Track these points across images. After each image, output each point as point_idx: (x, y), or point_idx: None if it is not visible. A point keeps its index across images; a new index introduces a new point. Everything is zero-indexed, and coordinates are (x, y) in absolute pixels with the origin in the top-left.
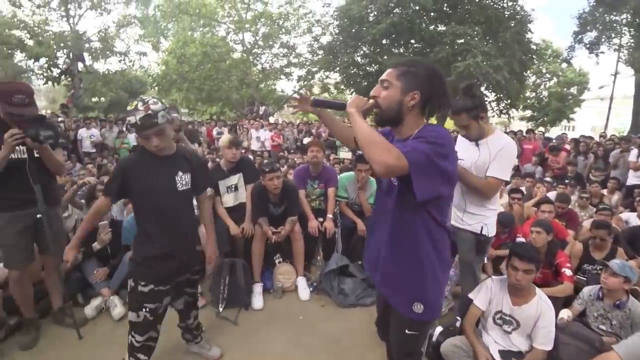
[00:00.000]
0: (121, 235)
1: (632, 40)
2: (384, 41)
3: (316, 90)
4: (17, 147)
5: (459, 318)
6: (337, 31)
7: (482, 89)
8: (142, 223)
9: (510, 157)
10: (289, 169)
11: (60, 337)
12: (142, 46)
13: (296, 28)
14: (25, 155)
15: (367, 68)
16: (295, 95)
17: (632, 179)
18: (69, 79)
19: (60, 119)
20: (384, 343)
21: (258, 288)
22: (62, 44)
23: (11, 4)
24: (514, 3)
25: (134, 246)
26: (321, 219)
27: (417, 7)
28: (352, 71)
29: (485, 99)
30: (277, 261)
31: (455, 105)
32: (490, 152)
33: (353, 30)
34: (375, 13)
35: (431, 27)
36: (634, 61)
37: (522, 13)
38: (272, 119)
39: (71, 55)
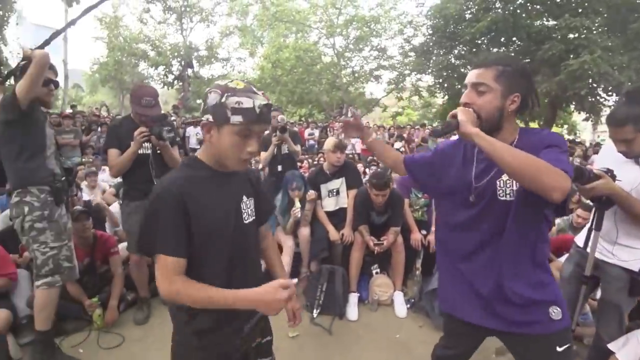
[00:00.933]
0: None
1: None
2: (481, 40)
3: (407, 94)
4: (143, 144)
5: None
6: (430, 32)
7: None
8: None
9: None
10: None
11: (168, 316)
12: (241, 53)
13: (387, 30)
14: (149, 151)
15: (462, 70)
16: (344, 118)
17: None
18: (180, 83)
19: (172, 119)
20: None
21: (354, 298)
22: (176, 54)
23: (139, 21)
24: None
25: (177, 319)
26: (424, 232)
27: (522, 1)
28: (446, 73)
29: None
30: (374, 272)
31: (617, 115)
32: None
33: (448, 30)
34: (474, 10)
35: (537, 22)
36: None
37: None
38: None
39: (183, 63)
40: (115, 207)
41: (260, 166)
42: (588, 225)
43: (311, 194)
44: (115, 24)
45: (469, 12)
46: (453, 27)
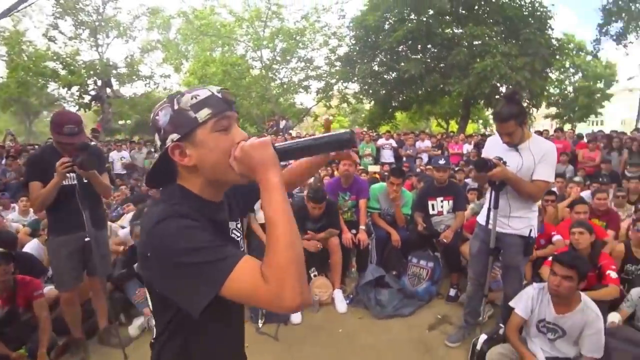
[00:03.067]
0: None
1: None
2: (400, 48)
3: (335, 101)
4: (67, 174)
5: (502, 325)
6: (353, 42)
7: (502, 89)
8: (186, 335)
9: (554, 160)
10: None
11: (107, 357)
12: (165, 69)
13: (313, 42)
14: (75, 182)
15: (385, 76)
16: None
17: None
18: (98, 104)
19: (92, 143)
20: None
21: None
22: (92, 72)
23: (46, 38)
24: (533, 0)
25: None
26: (354, 231)
27: (432, 12)
28: (371, 80)
29: None
30: (312, 275)
31: (502, 113)
32: (534, 157)
33: (369, 40)
34: (391, 21)
35: (448, 31)
36: None
37: (541, 9)
38: (293, 132)
39: (100, 82)
40: (31, 246)
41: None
42: (487, 205)
43: None
44: (16, 40)
45: (387, 23)
46: (373, 37)
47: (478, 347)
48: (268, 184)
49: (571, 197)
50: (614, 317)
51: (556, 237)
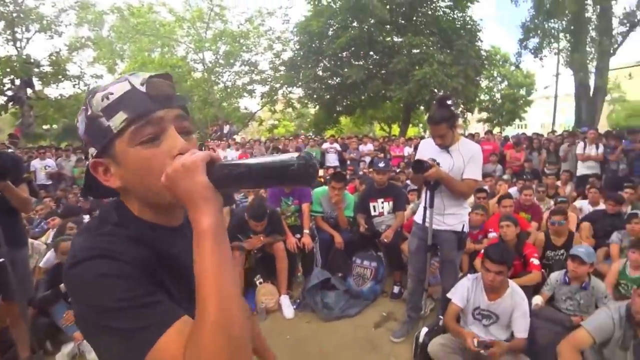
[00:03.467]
0: None
1: (568, 45)
2: (344, 54)
3: (280, 106)
4: None
5: (441, 317)
6: (297, 47)
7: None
8: None
9: (481, 160)
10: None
11: None
12: (97, 69)
13: (257, 45)
14: None
15: (329, 81)
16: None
17: (581, 169)
18: (17, 106)
19: (10, 150)
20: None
21: None
22: (8, 70)
23: None
24: (464, 14)
25: None
26: (298, 235)
27: (374, 21)
28: (315, 85)
29: None
30: (257, 282)
31: (435, 116)
32: (463, 158)
33: (313, 45)
34: (335, 28)
35: (388, 39)
36: (572, 63)
37: (472, 23)
38: (237, 138)
39: (18, 81)
40: None
41: None
42: (422, 205)
43: None
44: None
45: (330, 29)
46: (317, 42)
47: (420, 339)
48: (197, 227)
49: (500, 194)
50: (537, 300)
51: (492, 234)
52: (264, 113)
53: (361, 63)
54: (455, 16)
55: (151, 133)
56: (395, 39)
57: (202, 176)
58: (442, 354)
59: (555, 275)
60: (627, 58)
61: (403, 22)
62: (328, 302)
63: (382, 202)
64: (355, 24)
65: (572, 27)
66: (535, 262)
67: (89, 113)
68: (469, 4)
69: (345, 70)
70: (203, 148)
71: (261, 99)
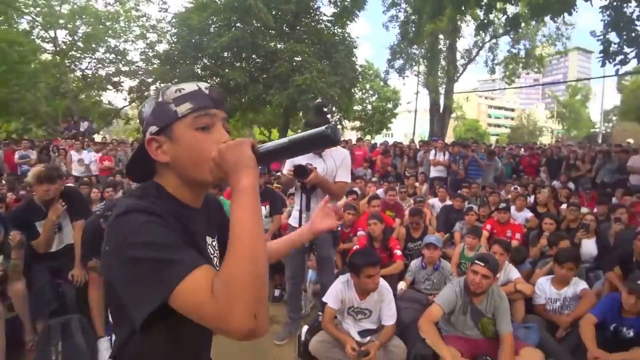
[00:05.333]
0: None
1: (425, 69)
2: (225, 54)
3: None
4: None
5: (320, 313)
6: (175, 40)
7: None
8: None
9: (350, 164)
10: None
11: None
12: None
13: (127, 32)
14: None
15: (209, 81)
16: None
17: (433, 172)
18: None
19: None
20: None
21: (104, 343)
22: None
23: None
24: (343, 30)
25: None
26: None
27: (258, 24)
28: None
29: None
30: None
31: (311, 123)
32: (335, 162)
33: (193, 41)
34: (217, 25)
35: (272, 44)
36: (427, 84)
37: (349, 39)
38: (98, 137)
39: None
40: None
41: None
42: (297, 208)
43: (15, 235)
44: None
45: (213, 26)
46: (198, 38)
47: (302, 338)
48: (238, 186)
49: (369, 195)
50: (401, 285)
51: (360, 232)
52: (132, 110)
53: (243, 65)
54: (335, 31)
55: (206, 123)
56: (278, 45)
57: (248, 150)
58: (323, 350)
59: (415, 262)
60: (466, 85)
61: (287, 29)
62: None
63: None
64: (239, 24)
65: (428, 55)
66: (398, 253)
67: (160, 100)
68: (347, 22)
69: (227, 71)
70: (51, 149)
71: (129, 94)
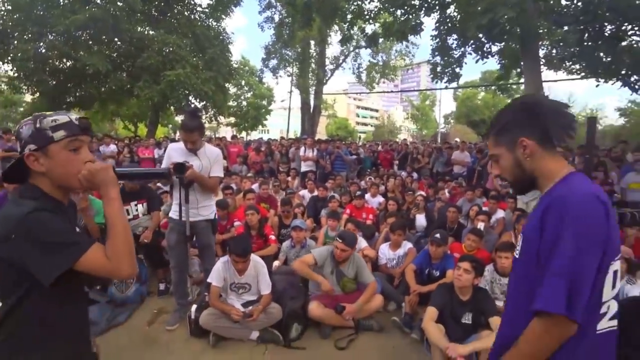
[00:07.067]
0: None
1: (297, 71)
2: (80, 34)
3: None
4: None
5: (207, 294)
6: (9, 8)
7: (191, 98)
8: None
9: (222, 161)
10: None
11: None
12: None
13: None
14: None
15: (57, 62)
16: None
17: (303, 167)
18: None
19: None
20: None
21: None
22: None
23: None
24: (218, 24)
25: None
26: None
27: (122, 4)
28: (34, 65)
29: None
30: None
31: (189, 126)
32: (209, 159)
33: (35, 12)
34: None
35: (140, 29)
36: (299, 85)
37: (225, 35)
38: None
39: None
40: None
41: None
42: (176, 202)
43: None
44: None
45: None
46: (42, 11)
47: (192, 316)
48: (109, 195)
49: (245, 189)
50: (276, 263)
51: (237, 223)
52: None
53: (104, 50)
54: (210, 24)
55: (76, 146)
56: (146, 32)
57: (112, 172)
58: (212, 321)
59: (286, 243)
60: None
61: (156, 15)
62: (91, 319)
63: (136, 205)
64: (99, 1)
65: (300, 58)
66: (273, 237)
67: (37, 126)
68: (223, 16)
69: (82, 53)
70: None
71: None
